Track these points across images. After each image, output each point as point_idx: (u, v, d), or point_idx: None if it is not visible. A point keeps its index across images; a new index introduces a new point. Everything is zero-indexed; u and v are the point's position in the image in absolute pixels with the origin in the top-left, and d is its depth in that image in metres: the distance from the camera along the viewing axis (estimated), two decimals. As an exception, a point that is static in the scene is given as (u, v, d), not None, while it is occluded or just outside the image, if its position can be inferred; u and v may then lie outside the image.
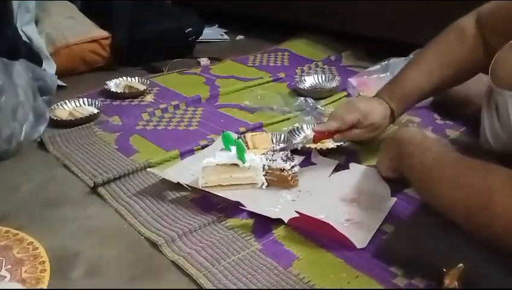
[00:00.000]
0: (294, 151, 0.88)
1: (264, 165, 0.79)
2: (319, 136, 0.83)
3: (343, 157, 0.90)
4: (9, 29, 1.11)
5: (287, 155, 0.81)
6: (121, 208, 0.76)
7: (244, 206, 0.73)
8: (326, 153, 0.90)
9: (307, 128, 0.97)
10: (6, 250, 0.66)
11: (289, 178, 0.78)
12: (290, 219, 0.69)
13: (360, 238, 0.66)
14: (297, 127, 0.97)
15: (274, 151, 0.83)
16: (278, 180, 0.79)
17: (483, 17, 0.82)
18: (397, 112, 0.85)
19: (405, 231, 0.69)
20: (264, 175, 0.79)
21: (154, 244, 0.68)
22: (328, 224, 0.65)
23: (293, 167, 0.78)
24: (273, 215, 0.71)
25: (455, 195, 0.59)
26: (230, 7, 1.80)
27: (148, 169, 0.84)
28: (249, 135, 0.93)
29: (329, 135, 0.84)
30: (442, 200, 0.61)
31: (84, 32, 1.37)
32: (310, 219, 0.67)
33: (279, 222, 0.71)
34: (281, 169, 0.78)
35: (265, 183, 0.80)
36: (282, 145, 0.90)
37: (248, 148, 0.88)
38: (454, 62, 0.82)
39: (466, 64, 0.83)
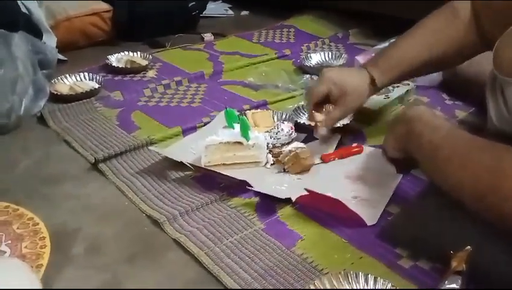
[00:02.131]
0: (297, 128, 0.87)
1: (268, 144, 0.77)
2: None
3: (349, 137, 0.88)
4: (7, 0, 1.08)
5: (290, 133, 0.78)
6: (122, 184, 0.75)
7: (250, 186, 0.72)
8: (331, 132, 0.88)
9: None
10: (6, 225, 0.65)
11: (304, 157, 0.75)
12: (298, 197, 0.68)
13: (369, 215, 0.65)
14: (302, 105, 0.95)
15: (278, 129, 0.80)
16: (293, 164, 0.75)
17: (479, 2, 0.78)
18: (379, 80, 0.80)
19: (411, 212, 0.68)
20: (274, 160, 0.77)
21: (156, 222, 0.67)
22: (339, 201, 0.64)
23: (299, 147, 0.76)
24: (280, 195, 0.70)
25: (464, 175, 0.57)
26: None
27: (150, 147, 0.83)
28: (250, 113, 0.91)
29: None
30: (450, 180, 0.60)
31: (84, 4, 1.34)
32: (320, 196, 0.66)
33: (283, 201, 0.70)
34: (290, 151, 0.75)
35: (271, 161, 0.78)
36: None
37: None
38: (446, 40, 0.79)
39: (457, 44, 0.80)
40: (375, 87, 0.82)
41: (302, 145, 0.77)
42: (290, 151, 0.76)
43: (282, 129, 0.83)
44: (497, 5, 0.75)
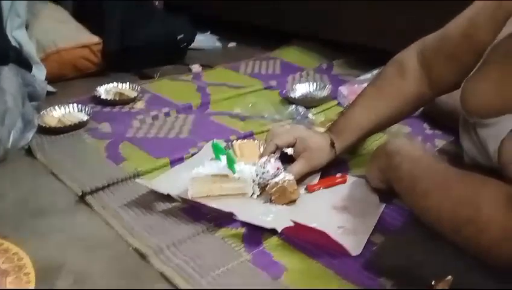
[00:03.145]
0: (283, 158, 0.88)
1: (258, 178, 0.78)
2: None
3: (333, 167, 0.90)
4: (-3, 35, 1.10)
5: (276, 174, 0.79)
6: (109, 217, 0.76)
7: (236, 216, 0.73)
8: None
9: None
10: (-9, 260, 0.64)
11: (290, 190, 0.76)
12: (284, 228, 0.69)
13: (354, 245, 0.66)
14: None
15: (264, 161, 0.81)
16: (280, 195, 0.76)
17: (429, 49, 0.82)
18: (338, 144, 0.84)
19: (394, 242, 0.69)
20: (261, 190, 0.78)
21: (143, 255, 0.67)
22: (323, 232, 0.65)
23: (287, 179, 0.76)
24: (266, 225, 0.71)
25: (442, 208, 0.59)
26: (223, 14, 1.81)
27: (137, 180, 0.83)
28: (237, 143, 0.93)
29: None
30: (429, 212, 0.62)
31: (74, 37, 1.36)
32: (304, 227, 0.67)
33: (269, 231, 0.71)
34: (276, 183, 0.76)
35: (257, 193, 0.79)
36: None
37: (236, 156, 0.88)
38: (397, 96, 0.83)
39: (408, 98, 0.83)
40: (334, 151, 0.84)
41: (290, 177, 0.77)
42: (277, 183, 0.76)
43: (268, 171, 0.79)
44: (448, 50, 0.78)
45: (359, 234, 0.70)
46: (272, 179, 0.77)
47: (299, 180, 0.81)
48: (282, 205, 0.77)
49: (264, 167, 0.78)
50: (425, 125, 1.08)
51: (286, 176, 0.77)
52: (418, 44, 0.84)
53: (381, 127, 0.88)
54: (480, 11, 0.73)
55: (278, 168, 0.79)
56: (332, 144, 0.83)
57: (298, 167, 0.80)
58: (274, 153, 0.82)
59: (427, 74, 0.82)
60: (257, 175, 0.78)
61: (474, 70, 0.72)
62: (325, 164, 0.84)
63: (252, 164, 0.81)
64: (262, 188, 0.79)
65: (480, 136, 0.69)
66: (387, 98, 0.83)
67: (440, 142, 1.00)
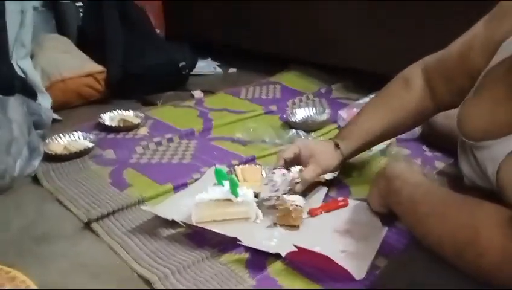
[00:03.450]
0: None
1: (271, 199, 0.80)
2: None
3: (334, 191, 0.91)
4: (4, 66, 1.13)
5: (284, 179, 0.81)
6: (114, 243, 0.76)
7: (240, 241, 0.73)
8: (317, 186, 0.91)
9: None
10: (-2, 289, 0.65)
11: (293, 215, 0.77)
12: (287, 253, 0.69)
13: (358, 269, 0.67)
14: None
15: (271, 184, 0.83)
16: (283, 215, 0.78)
17: (430, 66, 0.85)
18: (344, 146, 0.87)
19: (398, 265, 0.69)
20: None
21: (148, 281, 0.67)
22: (327, 257, 0.66)
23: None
24: (270, 249, 0.71)
25: (443, 232, 0.60)
26: (223, 41, 1.85)
27: (141, 207, 0.84)
28: (239, 168, 0.95)
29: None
30: (430, 236, 0.62)
31: (79, 66, 1.39)
32: (308, 251, 0.68)
33: (273, 256, 0.71)
34: (285, 202, 0.78)
35: (260, 217, 0.80)
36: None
37: (239, 181, 0.89)
38: (401, 107, 0.86)
39: (412, 111, 0.86)
40: (340, 153, 0.87)
41: (301, 202, 0.79)
42: (286, 202, 0.78)
43: (275, 183, 0.83)
44: (446, 70, 0.81)
45: (362, 257, 0.70)
46: (285, 186, 0.80)
47: (311, 187, 0.82)
48: (281, 226, 0.78)
49: (270, 182, 0.81)
50: (424, 147, 1.10)
51: (297, 201, 0.78)
52: (422, 61, 0.88)
53: (385, 135, 0.90)
54: (477, 35, 0.76)
55: (283, 174, 0.81)
56: (337, 146, 0.86)
57: (309, 171, 0.83)
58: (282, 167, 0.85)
59: (430, 90, 0.85)
60: (270, 191, 0.81)
61: (469, 94, 0.74)
62: (335, 166, 0.87)
63: (264, 184, 0.82)
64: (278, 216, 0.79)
65: (478, 159, 0.70)
66: (391, 108, 0.86)
67: (440, 164, 1.02)
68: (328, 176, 0.90)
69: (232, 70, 1.82)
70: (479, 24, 0.77)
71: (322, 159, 0.85)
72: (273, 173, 0.83)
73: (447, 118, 1.03)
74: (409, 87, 0.86)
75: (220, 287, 0.66)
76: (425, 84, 0.85)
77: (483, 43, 0.74)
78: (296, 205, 0.77)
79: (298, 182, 0.84)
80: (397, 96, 0.87)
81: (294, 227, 0.78)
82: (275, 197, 0.83)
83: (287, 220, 0.78)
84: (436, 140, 1.08)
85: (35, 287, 0.65)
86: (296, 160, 0.87)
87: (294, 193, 0.83)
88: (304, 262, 0.70)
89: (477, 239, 0.55)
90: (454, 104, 0.79)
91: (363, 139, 0.87)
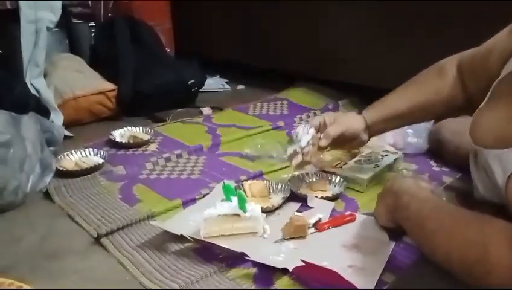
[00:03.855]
0: (292, 197, 0.91)
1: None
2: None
3: (342, 205, 0.92)
4: (18, 86, 1.16)
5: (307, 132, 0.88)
6: (123, 259, 0.77)
7: (248, 256, 0.74)
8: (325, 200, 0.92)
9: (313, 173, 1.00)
10: (10, 303, 0.66)
11: (296, 222, 0.80)
12: (295, 268, 0.70)
13: (365, 285, 0.67)
14: (297, 175, 0.99)
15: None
16: (294, 231, 0.80)
17: (464, 60, 0.87)
18: (368, 117, 0.92)
19: (406, 281, 0.69)
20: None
21: (157, 296, 0.68)
22: (334, 272, 0.66)
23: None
24: (277, 264, 0.72)
25: (451, 248, 0.60)
26: (231, 58, 1.88)
27: (151, 222, 0.85)
28: (247, 184, 0.96)
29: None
30: (438, 252, 0.62)
31: (90, 85, 1.43)
32: (315, 267, 0.68)
33: (280, 271, 0.71)
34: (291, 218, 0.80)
35: (268, 232, 0.81)
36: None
37: (246, 197, 0.90)
38: (431, 92, 0.88)
39: (442, 98, 0.87)
40: (364, 119, 0.91)
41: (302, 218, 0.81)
42: (292, 218, 0.81)
43: (297, 133, 0.90)
44: (474, 67, 0.83)
45: (370, 273, 0.70)
46: (307, 138, 0.87)
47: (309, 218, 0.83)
48: (290, 239, 0.79)
49: (297, 135, 0.89)
50: (432, 162, 1.10)
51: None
52: (458, 55, 0.90)
53: (412, 115, 0.91)
54: (499, 41, 0.78)
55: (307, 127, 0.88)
56: (367, 126, 0.91)
57: (333, 127, 0.89)
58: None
59: (461, 82, 0.86)
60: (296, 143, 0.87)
61: (484, 101, 0.74)
62: (359, 129, 0.91)
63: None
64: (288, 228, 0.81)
65: (488, 170, 0.70)
66: (422, 91, 0.88)
67: (447, 179, 1.01)
68: (335, 191, 0.91)
69: (240, 87, 1.85)
70: (505, 30, 0.78)
71: (345, 120, 0.90)
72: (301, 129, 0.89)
73: (454, 134, 1.03)
74: (443, 75, 0.87)
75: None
76: (458, 76, 0.86)
77: (501, 51, 0.75)
78: (299, 217, 0.80)
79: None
80: (430, 81, 0.88)
81: (302, 238, 0.79)
82: (300, 148, 0.87)
83: (291, 225, 0.79)
84: (444, 155, 1.08)
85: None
86: (322, 129, 0.91)
87: (319, 147, 0.89)
88: (311, 277, 0.70)
89: (486, 256, 0.55)
90: (478, 103, 0.79)
91: (388, 113, 0.90)
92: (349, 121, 0.90)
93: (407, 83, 0.92)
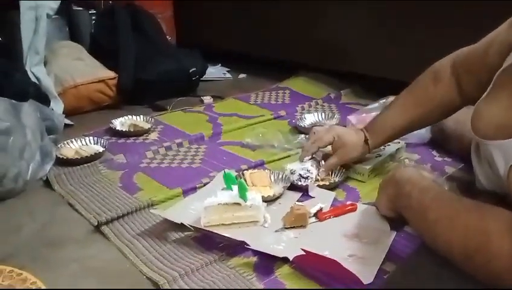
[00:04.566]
0: (293, 187, 0.91)
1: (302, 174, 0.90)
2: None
3: (343, 195, 0.91)
4: (18, 73, 1.15)
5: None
6: (123, 247, 0.77)
7: (248, 245, 0.74)
8: (326, 189, 0.92)
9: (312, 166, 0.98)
10: (10, 290, 0.66)
11: (296, 211, 0.80)
12: (295, 257, 0.69)
13: (365, 274, 0.67)
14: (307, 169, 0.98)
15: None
16: (295, 220, 0.80)
17: (458, 60, 0.86)
18: (372, 140, 0.93)
19: (406, 270, 0.69)
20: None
21: (157, 284, 0.68)
22: (335, 261, 0.66)
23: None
24: (278, 253, 0.72)
25: (452, 236, 0.60)
26: (233, 47, 1.86)
27: (151, 210, 0.85)
28: (247, 173, 0.95)
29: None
30: (439, 240, 0.62)
31: (91, 73, 1.42)
32: (316, 256, 0.68)
33: (281, 260, 0.71)
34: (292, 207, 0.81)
35: (268, 221, 0.81)
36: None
37: (247, 186, 0.89)
38: (428, 101, 0.89)
39: (440, 104, 0.88)
40: (367, 147, 0.93)
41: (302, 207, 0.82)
42: (292, 207, 0.81)
43: (311, 171, 0.92)
44: (471, 64, 0.82)
45: (370, 262, 0.70)
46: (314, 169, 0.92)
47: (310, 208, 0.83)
48: (290, 228, 0.79)
49: (308, 169, 0.91)
50: (434, 152, 1.09)
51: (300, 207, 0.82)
52: (453, 54, 0.90)
53: (412, 127, 0.94)
54: (499, 34, 0.77)
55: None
56: (366, 141, 0.93)
57: (332, 161, 0.93)
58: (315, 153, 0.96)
59: (457, 84, 0.87)
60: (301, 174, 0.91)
61: (486, 92, 0.73)
62: (358, 157, 0.95)
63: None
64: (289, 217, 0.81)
65: (489, 161, 0.70)
66: (419, 102, 0.90)
67: (449, 169, 1.01)
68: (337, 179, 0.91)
69: (242, 75, 1.83)
70: (505, 24, 0.78)
71: (348, 152, 0.93)
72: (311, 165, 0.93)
73: (457, 123, 1.02)
74: (437, 80, 0.88)
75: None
76: (453, 78, 0.87)
77: (502, 42, 0.74)
78: (300, 206, 0.79)
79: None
80: (425, 90, 0.90)
81: (303, 227, 0.79)
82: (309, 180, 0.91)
83: (291, 213, 0.79)
84: (446, 145, 1.07)
85: (45, 287, 0.66)
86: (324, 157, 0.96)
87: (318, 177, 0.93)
88: (311, 266, 0.70)
89: (487, 245, 0.54)
90: (477, 100, 0.79)
91: (390, 134, 0.93)
92: (351, 153, 0.94)
93: (403, 94, 0.93)
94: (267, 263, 0.72)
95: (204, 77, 1.66)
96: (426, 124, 0.98)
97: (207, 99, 1.52)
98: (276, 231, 0.79)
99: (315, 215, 0.82)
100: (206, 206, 0.78)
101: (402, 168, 0.77)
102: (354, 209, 0.84)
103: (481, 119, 0.71)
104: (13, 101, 1.00)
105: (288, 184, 0.91)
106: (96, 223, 0.83)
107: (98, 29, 1.64)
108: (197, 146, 1.17)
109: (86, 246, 0.79)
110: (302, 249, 0.68)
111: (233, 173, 0.87)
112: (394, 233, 0.77)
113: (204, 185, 0.95)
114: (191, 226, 0.78)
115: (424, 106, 0.88)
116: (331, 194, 0.90)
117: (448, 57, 0.89)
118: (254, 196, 0.80)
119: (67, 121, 1.25)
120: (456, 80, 0.86)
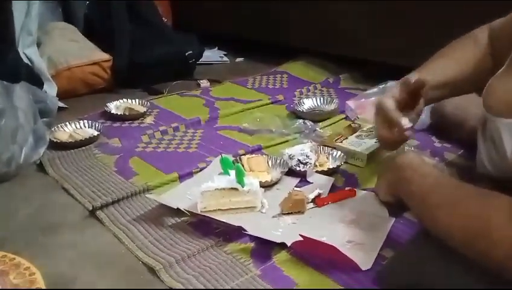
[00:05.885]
0: (291, 172, 0.90)
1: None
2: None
3: (341, 180, 0.90)
4: (10, 53, 1.12)
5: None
6: (119, 232, 0.76)
7: (246, 230, 0.73)
8: (324, 175, 0.91)
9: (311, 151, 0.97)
10: (3, 275, 0.65)
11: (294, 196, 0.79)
12: (293, 243, 0.69)
13: (364, 260, 0.66)
14: (307, 155, 0.96)
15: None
16: (293, 205, 0.78)
17: (494, 30, 0.84)
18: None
19: (405, 256, 0.68)
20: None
21: (152, 270, 0.67)
22: (333, 246, 0.65)
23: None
24: (276, 239, 0.71)
25: (454, 222, 0.59)
26: (231, 31, 1.83)
27: (146, 195, 0.84)
28: (245, 158, 0.94)
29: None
30: (440, 226, 0.61)
31: (85, 55, 1.39)
32: (314, 241, 0.67)
33: (278, 246, 0.71)
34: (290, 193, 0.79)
35: (266, 207, 0.80)
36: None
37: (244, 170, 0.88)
38: (473, 63, 0.83)
39: (478, 66, 0.83)
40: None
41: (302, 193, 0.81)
42: (290, 193, 0.80)
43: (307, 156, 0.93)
44: (501, 35, 0.80)
45: (369, 248, 0.69)
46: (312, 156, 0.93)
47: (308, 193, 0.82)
48: (288, 214, 0.78)
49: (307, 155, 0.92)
50: (433, 138, 1.08)
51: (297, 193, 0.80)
52: (490, 24, 0.86)
53: (455, 86, 0.85)
54: None
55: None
56: None
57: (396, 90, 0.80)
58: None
59: (492, 53, 0.83)
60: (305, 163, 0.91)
61: (501, 68, 0.72)
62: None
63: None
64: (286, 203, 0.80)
65: (496, 141, 0.68)
66: (465, 60, 0.83)
67: (449, 155, 1.00)
68: (335, 164, 0.90)
69: (239, 59, 1.81)
70: None
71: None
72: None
73: (457, 109, 1.01)
74: (477, 44, 0.84)
75: (224, 276, 0.65)
76: (490, 47, 0.84)
77: None
78: (299, 192, 0.78)
79: None
80: (469, 52, 0.84)
81: (301, 213, 0.78)
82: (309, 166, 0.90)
83: (289, 199, 0.78)
84: (446, 130, 1.06)
85: (39, 274, 0.65)
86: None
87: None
88: (309, 252, 0.69)
89: (488, 231, 0.54)
90: None
91: (437, 81, 0.81)
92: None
93: (444, 51, 0.86)
94: (264, 248, 0.71)
95: (200, 60, 1.64)
96: (466, 89, 0.88)
97: (204, 82, 1.49)
98: (273, 217, 0.78)
99: (313, 201, 0.81)
100: (202, 191, 0.77)
101: (402, 153, 0.75)
102: (352, 195, 0.83)
103: (493, 96, 0.69)
104: (5, 82, 0.97)
105: (286, 169, 0.90)
106: (91, 208, 0.82)
107: (92, 10, 1.60)
108: (194, 130, 1.15)
109: (81, 231, 0.78)
110: (300, 235, 0.67)
111: (231, 158, 0.86)
112: (393, 219, 0.76)
113: (201, 170, 0.94)
114: (187, 211, 0.77)
115: (469, 66, 0.82)
116: (330, 180, 0.88)
117: (485, 26, 0.86)
118: (251, 181, 0.79)
119: (61, 104, 1.23)
120: (492, 50, 0.84)
